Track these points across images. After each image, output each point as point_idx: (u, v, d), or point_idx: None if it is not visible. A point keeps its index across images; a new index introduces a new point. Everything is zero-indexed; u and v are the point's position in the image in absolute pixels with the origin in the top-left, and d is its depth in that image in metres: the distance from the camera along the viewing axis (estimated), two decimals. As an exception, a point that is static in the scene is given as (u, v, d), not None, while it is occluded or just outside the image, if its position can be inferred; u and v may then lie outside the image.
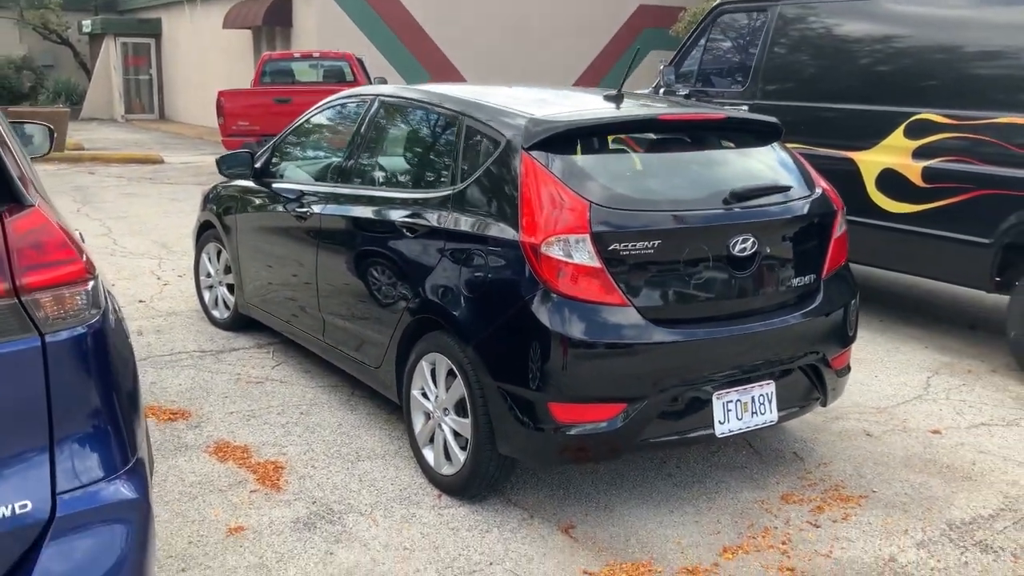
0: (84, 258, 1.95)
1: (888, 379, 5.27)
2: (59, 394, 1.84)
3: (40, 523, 1.82)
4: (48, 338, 1.84)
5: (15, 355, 1.80)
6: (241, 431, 4.34)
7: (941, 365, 5.53)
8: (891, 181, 5.90)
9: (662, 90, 7.63)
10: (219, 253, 5.83)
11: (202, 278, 6.11)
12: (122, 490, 1.91)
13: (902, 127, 5.80)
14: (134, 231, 9.19)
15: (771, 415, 3.66)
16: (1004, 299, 5.52)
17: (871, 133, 6.01)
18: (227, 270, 5.76)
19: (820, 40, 6.56)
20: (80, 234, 2.82)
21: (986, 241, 5.36)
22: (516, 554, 3.34)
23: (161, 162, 15.77)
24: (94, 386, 1.91)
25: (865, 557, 3.37)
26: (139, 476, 1.96)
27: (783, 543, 3.45)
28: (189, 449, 4.14)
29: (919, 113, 5.71)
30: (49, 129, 4.45)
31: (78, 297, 1.89)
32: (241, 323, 5.74)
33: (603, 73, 21.54)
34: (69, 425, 1.86)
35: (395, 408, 4.38)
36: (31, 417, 1.82)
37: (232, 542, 3.37)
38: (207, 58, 24.61)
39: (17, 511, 1.79)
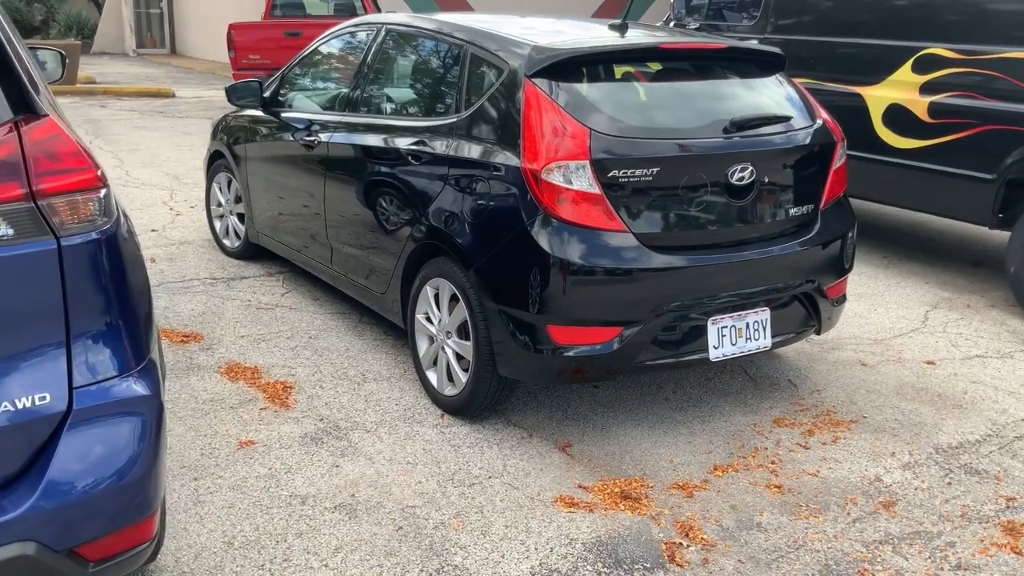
0: (97, 168, 2.04)
1: (887, 312, 5.35)
2: (74, 295, 1.95)
3: (58, 415, 1.94)
4: (63, 241, 1.93)
5: (33, 256, 1.90)
6: (252, 353, 4.48)
7: (941, 300, 5.61)
8: (898, 116, 5.90)
9: (672, 23, 7.59)
10: (230, 183, 5.91)
11: (213, 208, 6.21)
12: (135, 387, 2.02)
13: (910, 62, 5.79)
14: (146, 163, 9.27)
15: (765, 341, 3.76)
16: (1007, 236, 5.56)
17: (879, 68, 6.00)
18: (238, 200, 5.85)
19: (832, -27, 6.50)
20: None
21: (989, 177, 5.39)
22: (514, 469, 3.47)
23: (172, 96, 15.76)
24: (107, 289, 2.02)
25: (851, 477, 3.49)
26: (151, 375, 2.08)
27: (772, 462, 3.57)
28: (201, 369, 4.28)
29: (927, 48, 5.69)
30: (61, 55, 4.52)
31: (91, 204, 1.98)
32: (251, 252, 5.85)
33: (620, 7, 21.23)
34: (84, 324, 1.98)
35: (401, 333, 4.50)
36: (49, 315, 1.93)
37: (243, 454, 3.51)
38: (218, -8, 24.34)
39: (37, 403, 1.91)
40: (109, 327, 2.01)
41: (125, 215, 2.35)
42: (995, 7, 5.43)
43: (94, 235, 1.98)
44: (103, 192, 2.01)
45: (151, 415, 2.04)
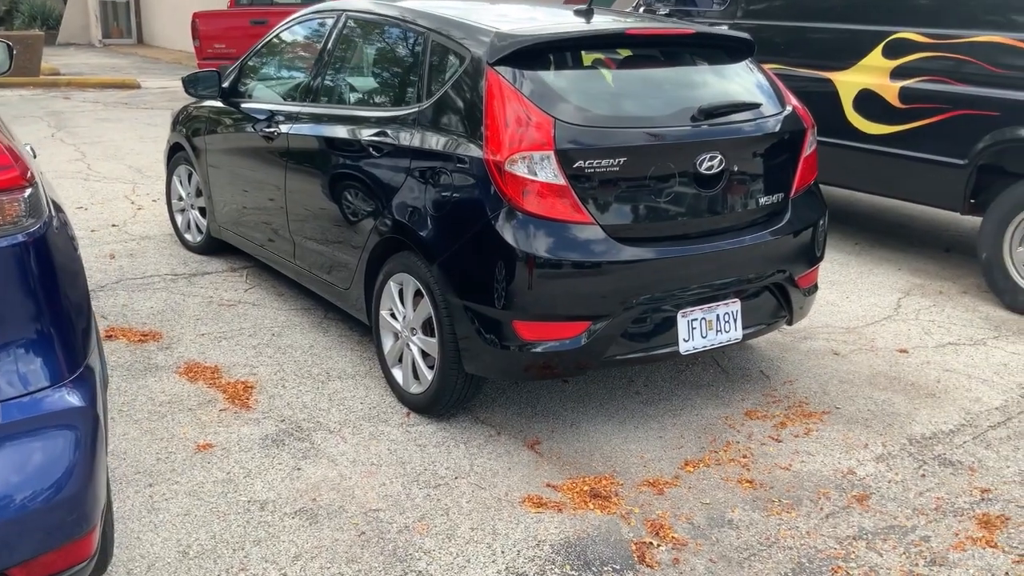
0: (23, 167, 1.92)
1: (859, 300, 5.30)
2: (-1, 303, 1.83)
3: (-17, 430, 1.83)
4: (-17, 245, 1.82)
5: (-50, 262, 1.79)
6: (212, 352, 4.35)
7: (913, 287, 5.57)
8: (868, 102, 5.84)
9: (642, 9, 7.50)
10: (190, 176, 5.77)
11: (174, 201, 6.05)
12: (68, 398, 1.91)
13: (880, 47, 5.73)
14: (108, 156, 9.06)
15: (736, 333, 3.69)
16: (979, 222, 5.53)
17: (849, 53, 5.94)
18: (199, 193, 5.70)
19: (802, -42, 6.43)
20: (31, 149, 2.78)
21: (961, 162, 5.34)
22: (481, 468, 3.38)
23: (138, 87, 15.48)
24: (36, 294, 1.90)
25: (824, 470, 3.43)
26: (86, 384, 1.96)
27: (744, 456, 3.51)
28: (159, 369, 4.16)
29: (897, 32, 5.63)
30: (8, 46, 4.34)
31: (15, 204, 1.86)
32: (214, 247, 5.71)
33: (589, -4, 21.09)
34: (11, 332, 1.85)
35: (366, 330, 4.39)
36: (-31, 324, 1.81)
37: (200, 458, 3.40)
38: (184, -20, 23.97)
39: (-42, 417, 1.80)
40: (39, 334, 1.89)
41: (60, 213, 2.22)
42: (965, -9, 5.38)
43: (20, 237, 1.86)
44: (28, 192, 1.89)
45: (86, 427, 1.92)
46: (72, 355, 1.96)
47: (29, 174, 1.91)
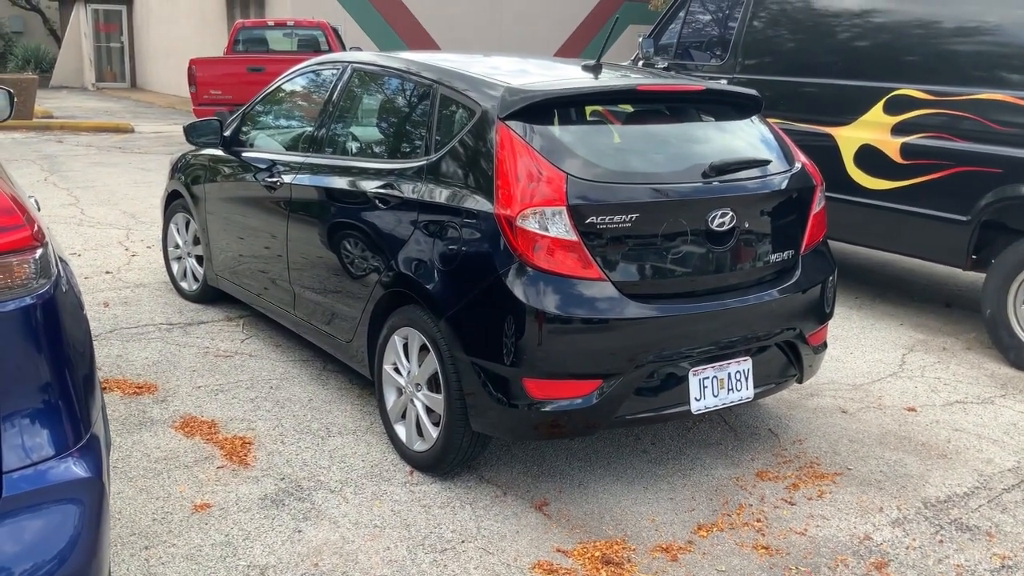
0: (33, 226, 1.85)
1: (863, 356, 5.25)
2: (5, 368, 1.74)
3: (-15, 503, 1.73)
4: (-7, 309, 1.74)
5: (-43, 327, 1.70)
6: (209, 406, 4.25)
7: (916, 342, 5.53)
8: (869, 157, 5.86)
9: (640, 62, 7.54)
10: (188, 224, 5.70)
11: (170, 249, 5.98)
12: (74, 468, 1.81)
13: (881, 103, 5.76)
14: (102, 201, 9.00)
15: (747, 392, 3.62)
16: (979, 277, 5.52)
17: (850, 108, 5.96)
18: (196, 241, 5.63)
19: (799, 14, 6.49)
20: (36, 201, 2.71)
21: (963, 219, 5.34)
22: (488, 531, 3.28)
23: (131, 131, 15.48)
24: (43, 360, 1.82)
25: (840, 535, 3.34)
26: (93, 453, 1.87)
27: (758, 520, 3.42)
28: (155, 424, 4.05)
29: (898, 89, 5.66)
30: (9, 93, 4.29)
31: (26, 266, 1.78)
32: (210, 295, 5.62)
33: (581, 47, 21.38)
34: (16, 400, 1.77)
35: (367, 383, 4.30)
36: (-25, 392, 1.73)
37: (197, 519, 3.28)
38: (179, 25, 24.16)
39: (-40, 490, 1.70)
40: (45, 403, 1.80)
41: (65, 267, 2.15)
42: (964, 48, 5.42)
43: (29, 300, 1.78)
44: (39, 252, 1.81)
45: (92, 499, 1.83)
46: (77, 423, 1.87)
47: (40, 233, 1.84)
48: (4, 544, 1.72)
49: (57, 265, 1.98)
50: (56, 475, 1.79)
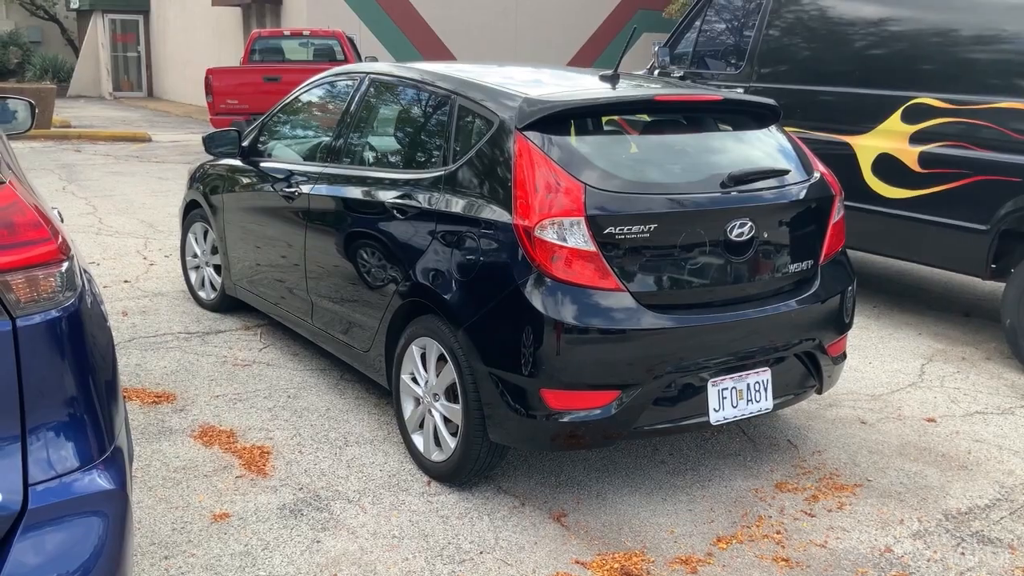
0: (59, 238, 1.86)
1: (882, 366, 5.22)
2: (31, 381, 1.75)
3: (11, 515, 1.74)
4: (20, 322, 1.75)
5: (-16, 340, 1.72)
6: (227, 415, 4.27)
7: (935, 352, 5.49)
8: (887, 166, 5.83)
9: (656, 71, 7.54)
10: (206, 233, 5.73)
11: (188, 258, 6.01)
12: (98, 480, 1.82)
13: (899, 111, 5.74)
14: (120, 210, 9.06)
15: (766, 403, 3.61)
16: (998, 286, 5.47)
17: (868, 117, 5.94)
18: (214, 250, 5.66)
19: (816, 22, 6.48)
20: (59, 213, 2.73)
21: (982, 228, 5.31)
22: (507, 543, 3.28)
23: (149, 140, 15.59)
24: (69, 372, 1.83)
25: (861, 547, 3.32)
26: (117, 466, 1.88)
27: (777, 532, 3.40)
28: (174, 433, 4.06)
29: (916, 97, 5.64)
30: (31, 104, 4.34)
31: (52, 279, 1.80)
32: (228, 304, 5.65)
33: (595, 56, 21.39)
34: (42, 413, 1.78)
35: (384, 393, 4.31)
36: (2, 404, 1.74)
37: (217, 529, 3.29)
38: (196, 35, 24.35)
39: (-13, 503, 1.71)
40: (70, 416, 1.81)
41: (89, 279, 2.16)
42: (982, 56, 5.40)
43: (54, 313, 1.79)
44: (65, 265, 1.82)
45: (117, 511, 1.84)
46: (102, 436, 1.88)
47: (65, 245, 1.86)
48: (29, 556, 1.73)
49: (82, 277, 1.99)
50: (81, 487, 1.80)
